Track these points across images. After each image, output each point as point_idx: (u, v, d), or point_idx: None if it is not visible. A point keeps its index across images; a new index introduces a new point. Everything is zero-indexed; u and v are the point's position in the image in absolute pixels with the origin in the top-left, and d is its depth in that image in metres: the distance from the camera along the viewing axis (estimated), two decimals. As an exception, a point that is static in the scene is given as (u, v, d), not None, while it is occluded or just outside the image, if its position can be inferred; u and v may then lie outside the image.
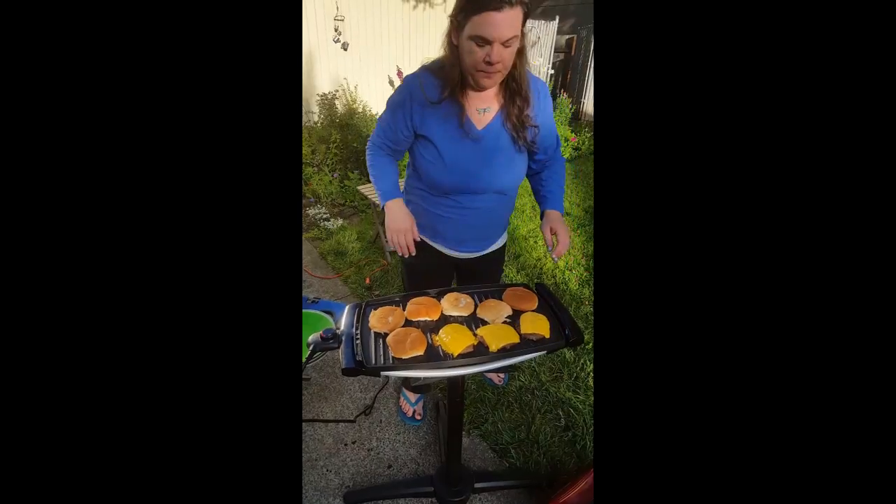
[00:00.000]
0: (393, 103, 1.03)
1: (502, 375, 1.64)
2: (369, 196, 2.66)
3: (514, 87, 0.97)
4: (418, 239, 1.07)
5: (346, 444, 1.49)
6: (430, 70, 0.99)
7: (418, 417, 1.57)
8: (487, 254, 1.24)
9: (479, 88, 0.96)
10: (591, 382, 1.75)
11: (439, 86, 0.96)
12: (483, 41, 0.85)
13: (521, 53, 0.93)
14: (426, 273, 1.26)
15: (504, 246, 1.31)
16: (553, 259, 1.15)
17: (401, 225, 1.04)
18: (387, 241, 2.50)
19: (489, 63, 0.87)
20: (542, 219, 1.17)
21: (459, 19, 0.87)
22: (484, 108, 0.99)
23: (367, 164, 1.12)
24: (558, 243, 1.10)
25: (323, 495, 1.32)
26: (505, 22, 0.82)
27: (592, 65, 6.44)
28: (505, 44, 0.85)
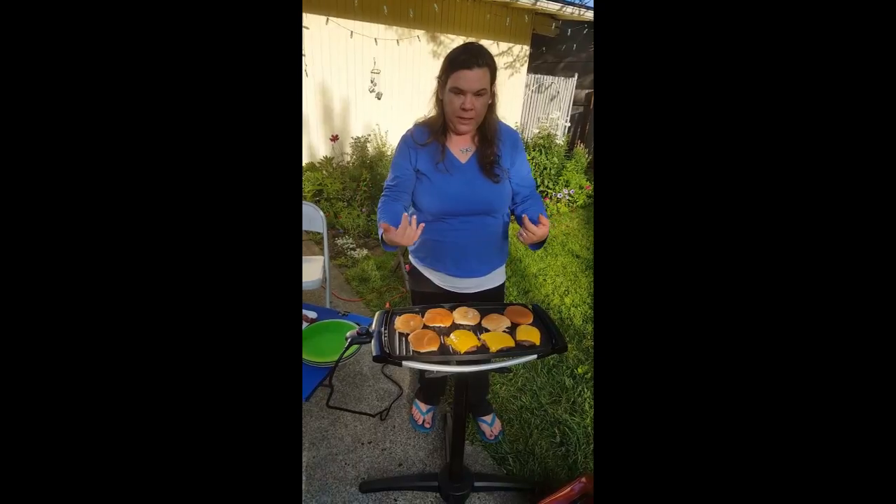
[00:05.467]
0: (398, 150, 1.33)
1: (496, 432, 1.75)
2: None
3: (486, 133, 1.27)
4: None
5: (363, 444, 1.69)
6: (419, 123, 1.32)
7: (427, 426, 1.76)
8: (486, 291, 1.43)
9: (458, 133, 1.26)
10: (586, 407, 1.92)
11: (426, 133, 1.28)
12: (459, 91, 1.16)
13: (491, 108, 1.25)
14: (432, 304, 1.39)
15: (503, 285, 1.49)
16: (518, 236, 1.20)
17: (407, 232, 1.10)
18: (404, 266, 2.71)
19: (464, 109, 1.17)
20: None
21: (443, 78, 1.19)
22: (465, 148, 1.30)
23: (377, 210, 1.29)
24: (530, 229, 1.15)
25: (342, 484, 1.51)
26: (474, 77, 1.13)
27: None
28: (476, 94, 1.16)
